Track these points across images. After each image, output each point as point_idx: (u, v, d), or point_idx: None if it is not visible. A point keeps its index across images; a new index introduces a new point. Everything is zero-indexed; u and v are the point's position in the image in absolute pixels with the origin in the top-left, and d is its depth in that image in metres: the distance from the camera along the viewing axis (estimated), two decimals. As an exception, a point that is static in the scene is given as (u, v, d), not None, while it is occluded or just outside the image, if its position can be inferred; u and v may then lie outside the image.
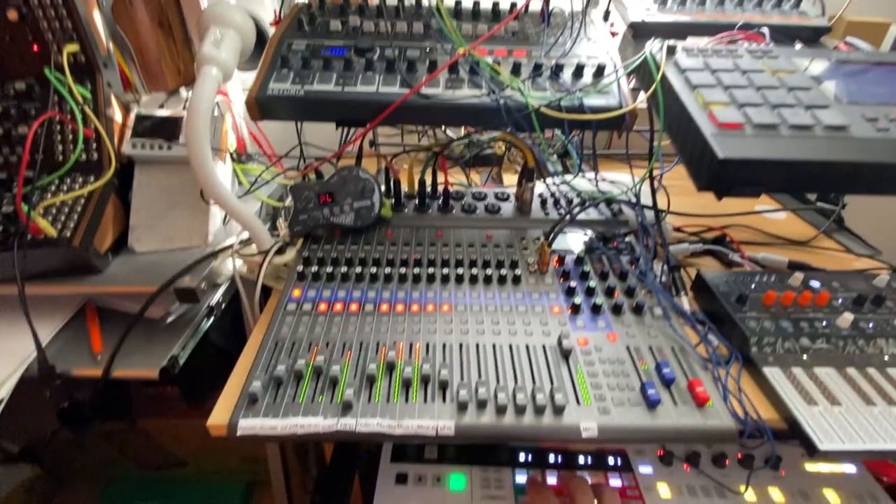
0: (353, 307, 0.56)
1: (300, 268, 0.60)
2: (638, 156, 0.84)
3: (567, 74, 0.65)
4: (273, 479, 0.99)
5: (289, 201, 0.68)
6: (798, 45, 0.77)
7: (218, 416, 0.46)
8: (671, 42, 0.67)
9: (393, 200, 0.73)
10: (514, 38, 0.72)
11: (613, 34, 0.81)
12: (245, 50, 0.62)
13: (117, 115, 0.72)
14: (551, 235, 0.62)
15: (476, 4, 0.77)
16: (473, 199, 0.75)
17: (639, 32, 0.81)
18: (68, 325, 0.66)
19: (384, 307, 0.56)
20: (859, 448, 0.45)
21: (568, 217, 0.63)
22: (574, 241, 0.68)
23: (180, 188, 0.72)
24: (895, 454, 0.46)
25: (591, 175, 0.83)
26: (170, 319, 0.68)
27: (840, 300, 0.61)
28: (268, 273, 0.64)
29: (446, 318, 0.55)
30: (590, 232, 0.69)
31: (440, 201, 0.73)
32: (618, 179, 0.81)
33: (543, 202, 0.75)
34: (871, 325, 0.57)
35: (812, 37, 0.82)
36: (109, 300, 0.68)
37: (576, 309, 0.56)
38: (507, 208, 0.74)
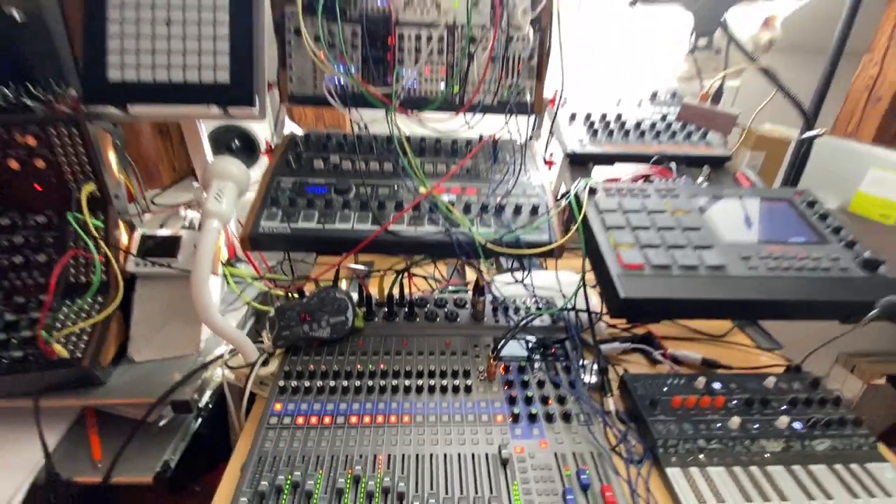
0: (327, 420, 0.66)
1: (282, 382, 0.70)
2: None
3: (508, 212, 0.79)
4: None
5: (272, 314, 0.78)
6: (702, 177, 0.94)
7: (209, 530, 0.54)
8: (593, 183, 0.82)
9: (365, 310, 0.84)
10: (468, 174, 0.87)
11: (550, 164, 0.97)
12: (241, 191, 0.75)
13: (123, 237, 0.83)
14: (496, 350, 0.74)
15: (437, 142, 0.93)
16: (435, 307, 0.87)
17: (574, 161, 0.98)
18: (69, 432, 0.74)
19: (353, 419, 0.66)
20: (734, 543, 0.56)
21: (509, 334, 0.75)
22: (519, 347, 0.80)
23: (178, 301, 0.82)
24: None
25: (536, 277, 0.96)
26: (162, 423, 0.76)
27: (734, 402, 0.73)
28: (253, 381, 0.73)
29: (406, 429, 0.65)
30: (531, 339, 0.82)
31: (406, 310, 0.85)
32: (551, 285, 0.93)
33: (495, 309, 0.88)
34: (756, 426, 0.70)
35: (717, 163, 1.00)
36: (108, 406, 0.76)
37: (516, 418, 0.67)
38: (464, 315, 0.86)
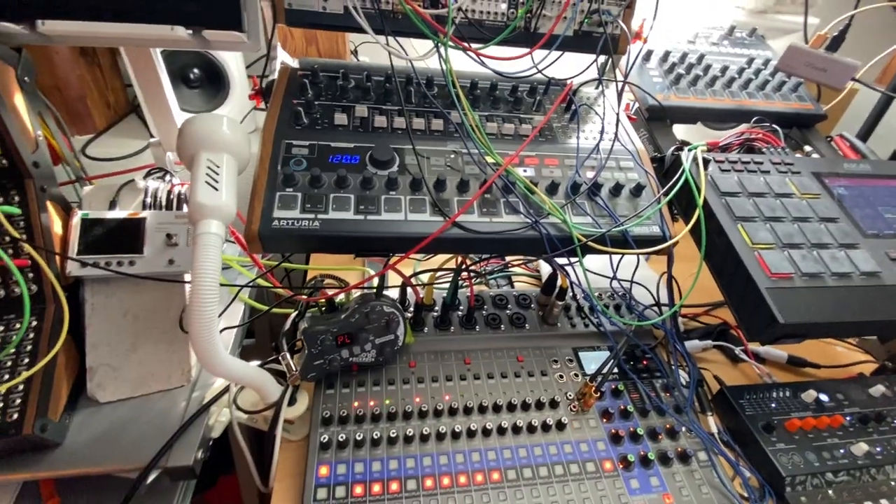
0: (394, 486, 0.49)
1: (322, 434, 0.52)
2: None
3: (604, 194, 0.60)
4: None
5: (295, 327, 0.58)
6: (809, 149, 0.78)
7: None
8: (704, 153, 0.65)
9: (412, 320, 0.66)
10: (540, 137, 0.66)
11: (633, 119, 0.77)
12: (241, 166, 0.50)
13: (56, 225, 0.57)
14: (596, 375, 0.59)
15: (493, 87, 0.69)
16: (495, 308, 0.70)
17: (654, 115, 0.78)
18: None
19: (428, 482, 0.50)
20: None
21: (612, 360, 0.60)
22: (601, 357, 0.66)
23: (150, 312, 0.59)
24: None
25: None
26: (144, 488, 0.56)
27: (849, 419, 0.64)
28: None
29: (499, 491, 0.50)
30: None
31: (461, 315, 0.67)
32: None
33: (566, 308, 0.72)
34: (878, 449, 0.61)
35: (808, 122, 0.84)
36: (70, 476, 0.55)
37: (627, 464, 0.54)
38: (532, 318, 0.70)
